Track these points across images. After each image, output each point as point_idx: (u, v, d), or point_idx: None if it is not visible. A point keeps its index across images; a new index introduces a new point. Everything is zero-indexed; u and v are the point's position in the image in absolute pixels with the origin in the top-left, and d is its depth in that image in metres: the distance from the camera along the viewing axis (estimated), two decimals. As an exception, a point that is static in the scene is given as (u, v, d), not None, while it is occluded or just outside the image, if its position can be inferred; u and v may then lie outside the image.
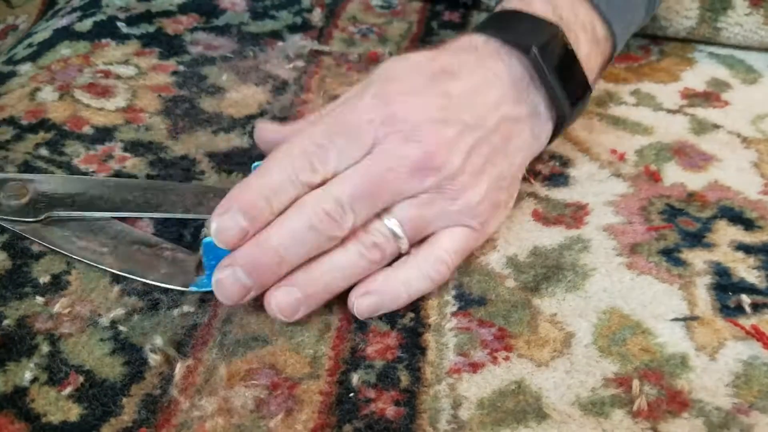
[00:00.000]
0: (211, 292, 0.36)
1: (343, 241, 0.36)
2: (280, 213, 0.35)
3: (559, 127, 0.42)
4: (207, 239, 0.35)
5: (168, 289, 0.37)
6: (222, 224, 0.34)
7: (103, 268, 0.38)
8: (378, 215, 0.37)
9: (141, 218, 0.41)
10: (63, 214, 0.40)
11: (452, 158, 0.37)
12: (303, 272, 0.36)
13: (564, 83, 0.40)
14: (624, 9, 0.46)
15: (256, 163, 0.37)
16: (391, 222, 0.36)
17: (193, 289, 0.37)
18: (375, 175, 0.36)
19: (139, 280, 0.37)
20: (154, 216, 0.41)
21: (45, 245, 0.39)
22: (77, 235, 0.39)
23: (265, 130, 0.43)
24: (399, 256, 0.38)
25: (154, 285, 0.37)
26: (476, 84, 0.39)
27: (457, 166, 0.37)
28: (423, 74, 0.39)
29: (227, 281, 0.35)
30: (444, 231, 0.38)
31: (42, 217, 0.39)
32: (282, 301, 0.35)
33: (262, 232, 0.35)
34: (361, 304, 0.36)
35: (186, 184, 0.43)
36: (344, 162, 0.36)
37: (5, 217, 0.39)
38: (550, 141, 0.43)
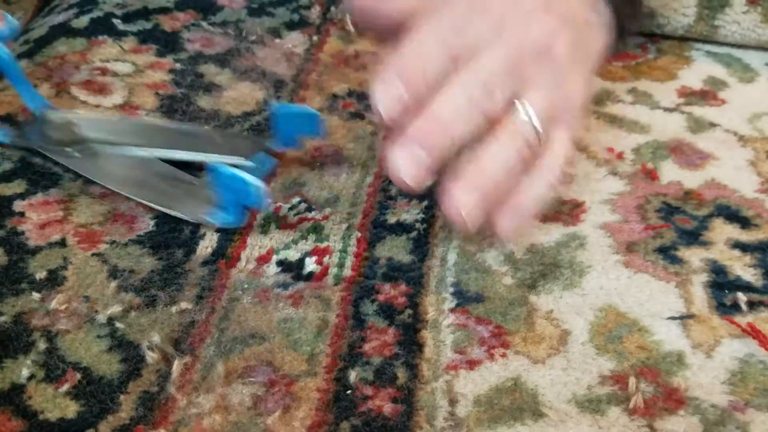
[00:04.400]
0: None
1: (495, 134, 0.36)
2: (433, 85, 0.36)
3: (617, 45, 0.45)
4: (224, 168, 0.37)
5: (165, 285, 0.37)
6: (383, 92, 0.35)
7: (140, 200, 0.41)
8: (515, 105, 0.37)
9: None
10: (106, 148, 0.42)
11: (565, 37, 0.38)
12: (477, 172, 0.36)
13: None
14: None
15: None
16: (526, 106, 0.37)
17: (208, 220, 0.40)
18: (513, 52, 0.36)
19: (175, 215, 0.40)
20: (191, 157, 0.43)
21: (85, 176, 0.41)
22: (115, 169, 0.41)
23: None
24: None
25: (149, 279, 0.37)
26: None
27: (569, 44, 0.38)
28: None
29: (405, 161, 0.35)
30: (556, 137, 0.38)
31: (83, 149, 0.41)
32: (467, 203, 0.36)
33: (428, 107, 0.35)
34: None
35: (221, 130, 0.46)
36: (483, 40, 0.37)
37: (49, 147, 0.41)
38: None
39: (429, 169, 0.36)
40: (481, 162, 0.36)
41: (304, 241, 0.41)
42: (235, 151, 0.43)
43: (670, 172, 0.47)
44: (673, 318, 0.37)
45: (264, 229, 0.42)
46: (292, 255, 0.40)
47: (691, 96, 0.54)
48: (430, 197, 0.44)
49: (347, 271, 0.40)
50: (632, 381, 0.34)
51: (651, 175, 0.47)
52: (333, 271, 0.40)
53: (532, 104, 0.37)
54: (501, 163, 0.36)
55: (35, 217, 0.41)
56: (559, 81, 0.38)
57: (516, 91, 0.37)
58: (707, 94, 0.54)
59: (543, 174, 0.38)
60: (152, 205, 0.40)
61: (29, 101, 0.43)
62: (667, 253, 0.41)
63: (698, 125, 0.51)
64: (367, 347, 0.36)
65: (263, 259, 0.40)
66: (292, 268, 0.39)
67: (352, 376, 0.34)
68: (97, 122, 0.44)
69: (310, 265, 0.40)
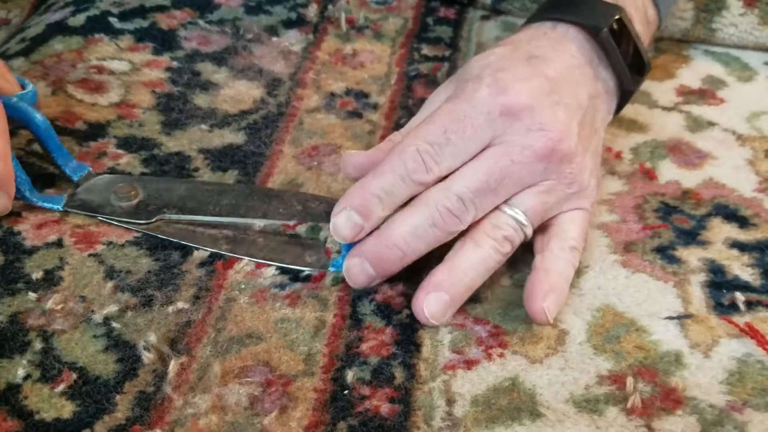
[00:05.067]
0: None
1: (471, 235, 0.37)
2: (395, 210, 0.37)
3: (623, 103, 0.44)
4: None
5: (161, 285, 0.37)
6: (338, 222, 0.36)
7: (242, 257, 0.39)
8: (498, 207, 0.37)
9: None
10: (174, 217, 0.40)
11: (570, 142, 0.37)
12: (445, 276, 0.37)
13: (627, 61, 0.42)
14: None
15: None
16: (516, 212, 0.37)
17: (332, 270, 0.39)
18: (499, 169, 0.36)
19: (285, 267, 0.39)
20: (261, 223, 0.41)
21: (170, 239, 0.40)
22: (195, 228, 0.40)
23: (353, 156, 0.40)
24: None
25: (146, 280, 0.37)
26: (564, 65, 0.40)
27: (574, 150, 0.38)
28: (520, 61, 0.39)
29: (355, 270, 0.37)
30: (565, 219, 0.39)
31: (154, 219, 0.40)
32: (433, 307, 0.36)
33: (385, 226, 0.37)
34: (548, 308, 0.36)
35: (289, 190, 0.44)
36: (460, 158, 0.37)
37: (118, 219, 0.40)
38: (615, 113, 0.45)
39: (376, 280, 0.38)
40: (453, 271, 0.37)
41: (301, 240, 0.41)
42: (312, 217, 0.41)
43: (669, 172, 0.47)
44: (671, 318, 0.37)
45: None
46: (290, 255, 0.40)
47: (689, 95, 0.54)
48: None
49: (345, 272, 0.39)
50: (630, 381, 0.34)
51: (649, 175, 0.46)
52: (332, 273, 0.39)
53: (521, 205, 0.37)
54: (477, 267, 0.37)
55: (32, 218, 0.40)
56: (567, 173, 0.38)
57: (502, 201, 0.37)
58: (706, 93, 0.54)
59: (555, 257, 0.38)
60: (265, 261, 0.39)
61: (67, 168, 0.42)
62: (665, 252, 0.41)
63: (697, 124, 0.51)
64: (364, 347, 0.36)
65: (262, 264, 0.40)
66: (290, 270, 0.39)
67: (350, 376, 0.34)
68: (152, 185, 0.42)
69: (308, 266, 0.40)
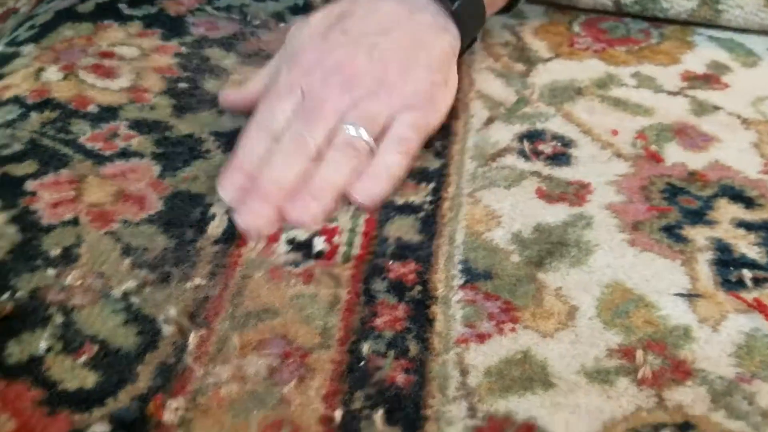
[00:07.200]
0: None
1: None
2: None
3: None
4: None
5: (178, 262, 0.38)
6: (226, 185, 0.42)
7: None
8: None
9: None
10: None
11: (359, 62, 0.45)
12: (308, 189, 0.42)
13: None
14: None
15: None
16: (346, 125, 0.43)
17: None
18: (316, 105, 0.44)
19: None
20: None
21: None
22: None
23: (229, 95, 0.49)
24: None
25: (162, 257, 0.38)
26: (369, 10, 0.48)
27: (366, 68, 0.45)
28: (319, 33, 0.47)
29: (250, 216, 0.41)
30: (395, 120, 0.45)
31: None
32: (301, 215, 0.41)
33: (258, 180, 0.42)
34: (359, 192, 0.42)
35: None
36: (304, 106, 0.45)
37: None
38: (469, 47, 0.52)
39: (270, 217, 0.41)
40: (313, 186, 0.42)
41: (313, 220, 0.42)
42: None
43: (675, 154, 0.47)
44: (679, 295, 0.38)
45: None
46: (301, 235, 0.41)
47: (694, 80, 0.55)
48: (437, 180, 0.44)
49: (356, 250, 0.40)
50: (640, 353, 0.35)
51: (655, 158, 0.47)
52: (342, 249, 0.40)
53: (349, 119, 0.44)
54: (330, 176, 0.43)
55: (47, 197, 0.41)
56: (371, 87, 0.45)
57: (333, 125, 0.44)
58: (710, 78, 0.54)
59: (384, 151, 0.44)
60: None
61: None
62: (672, 232, 0.42)
63: (702, 108, 0.52)
64: (378, 321, 0.36)
65: (273, 239, 0.40)
66: (302, 247, 0.40)
67: (365, 348, 0.35)
68: None
69: (320, 244, 0.40)
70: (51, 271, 0.37)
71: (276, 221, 0.41)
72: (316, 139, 0.43)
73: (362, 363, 0.34)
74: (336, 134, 0.44)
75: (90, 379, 0.32)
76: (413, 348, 0.35)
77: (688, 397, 0.33)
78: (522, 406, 0.32)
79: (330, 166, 0.43)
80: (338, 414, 0.32)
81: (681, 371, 0.34)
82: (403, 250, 0.40)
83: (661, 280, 0.39)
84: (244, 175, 0.42)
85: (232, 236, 0.40)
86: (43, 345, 0.33)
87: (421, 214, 0.42)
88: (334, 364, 0.34)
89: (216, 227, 0.40)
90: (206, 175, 0.43)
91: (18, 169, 0.42)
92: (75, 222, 0.39)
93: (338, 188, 0.43)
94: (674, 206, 0.43)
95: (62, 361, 0.33)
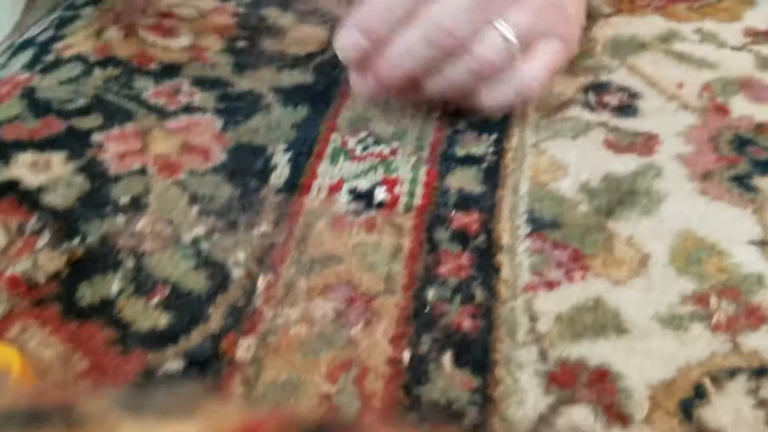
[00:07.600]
0: None
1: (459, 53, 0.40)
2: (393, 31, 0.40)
3: None
4: None
5: (243, 210, 0.38)
6: (344, 41, 0.41)
7: None
8: (490, 22, 0.39)
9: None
10: None
11: None
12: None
13: None
14: None
15: None
16: (503, 26, 0.39)
17: None
18: None
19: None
20: None
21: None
22: None
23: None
24: None
25: (228, 205, 0.38)
26: None
27: None
28: None
29: (364, 88, 0.42)
30: (544, 45, 0.41)
31: None
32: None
33: (385, 46, 0.40)
34: (488, 98, 0.41)
35: None
36: None
37: None
38: None
39: (381, 93, 0.42)
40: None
41: (373, 172, 0.41)
42: None
43: (741, 107, 0.46)
44: (752, 242, 0.37)
45: (333, 161, 0.42)
46: (363, 185, 0.41)
47: (757, 36, 0.53)
48: (499, 130, 0.44)
49: (418, 200, 0.40)
50: (713, 299, 0.34)
51: (722, 110, 0.46)
52: (404, 199, 0.40)
53: (509, 20, 0.39)
54: (448, 83, 0.41)
55: (114, 148, 0.41)
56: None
57: (491, 18, 0.39)
58: (775, 33, 0.53)
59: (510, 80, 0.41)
60: None
61: None
62: (742, 181, 0.40)
63: (766, 63, 0.50)
64: (442, 269, 0.36)
65: (334, 189, 0.40)
66: (363, 197, 0.40)
67: (430, 294, 0.34)
68: None
69: (381, 194, 0.40)
70: (120, 218, 0.37)
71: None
72: (468, 33, 0.39)
73: (427, 308, 0.34)
74: (483, 34, 0.40)
75: (163, 320, 0.32)
76: (479, 294, 0.35)
77: (764, 342, 0.32)
78: (595, 351, 0.32)
79: (452, 77, 0.41)
80: (406, 355, 0.32)
81: (755, 317, 0.33)
82: (466, 201, 0.40)
83: (733, 229, 0.38)
84: (367, 36, 0.40)
85: (294, 186, 0.40)
86: (114, 287, 0.34)
87: (484, 165, 0.42)
88: (399, 309, 0.34)
89: (278, 177, 0.40)
90: (267, 128, 0.44)
91: (84, 123, 0.43)
92: (143, 172, 0.40)
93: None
94: (743, 156, 0.42)
95: (134, 302, 0.33)
